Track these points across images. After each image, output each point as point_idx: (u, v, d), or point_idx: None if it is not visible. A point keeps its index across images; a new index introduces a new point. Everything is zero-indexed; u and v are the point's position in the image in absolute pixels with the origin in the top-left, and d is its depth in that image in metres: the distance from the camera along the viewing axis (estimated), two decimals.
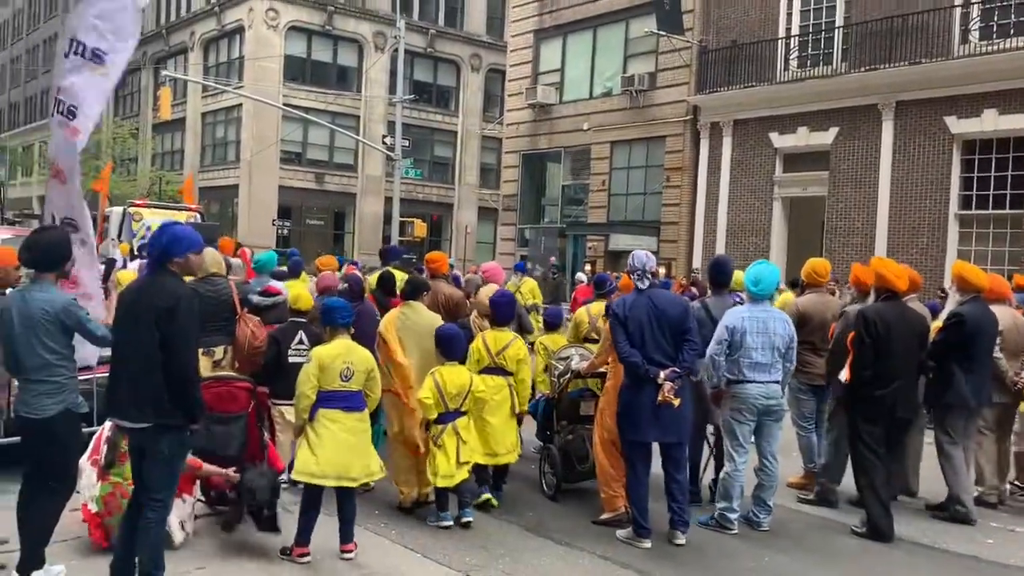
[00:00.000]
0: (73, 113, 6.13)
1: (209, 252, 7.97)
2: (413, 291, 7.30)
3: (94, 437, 5.57)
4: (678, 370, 6.14)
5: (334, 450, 5.67)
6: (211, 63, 42.99)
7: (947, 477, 7.45)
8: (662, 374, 6.09)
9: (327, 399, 5.70)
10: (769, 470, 6.87)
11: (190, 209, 21.89)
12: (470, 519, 6.60)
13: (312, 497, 5.74)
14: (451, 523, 6.55)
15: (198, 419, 4.63)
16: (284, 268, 10.58)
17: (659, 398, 6.04)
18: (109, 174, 24.95)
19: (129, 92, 50.98)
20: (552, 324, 8.70)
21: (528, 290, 14.20)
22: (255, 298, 8.00)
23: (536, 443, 8.48)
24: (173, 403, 4.54)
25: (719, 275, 7.44)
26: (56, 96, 6.17)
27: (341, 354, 5.76)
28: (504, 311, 7.23)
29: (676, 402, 6.06)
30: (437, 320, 7.18)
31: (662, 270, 20.09)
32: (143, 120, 47.45)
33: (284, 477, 6.94)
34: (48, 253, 4.93)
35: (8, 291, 5.30)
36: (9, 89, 69.62)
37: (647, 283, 6.35)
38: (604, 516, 6.80)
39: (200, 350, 7.36)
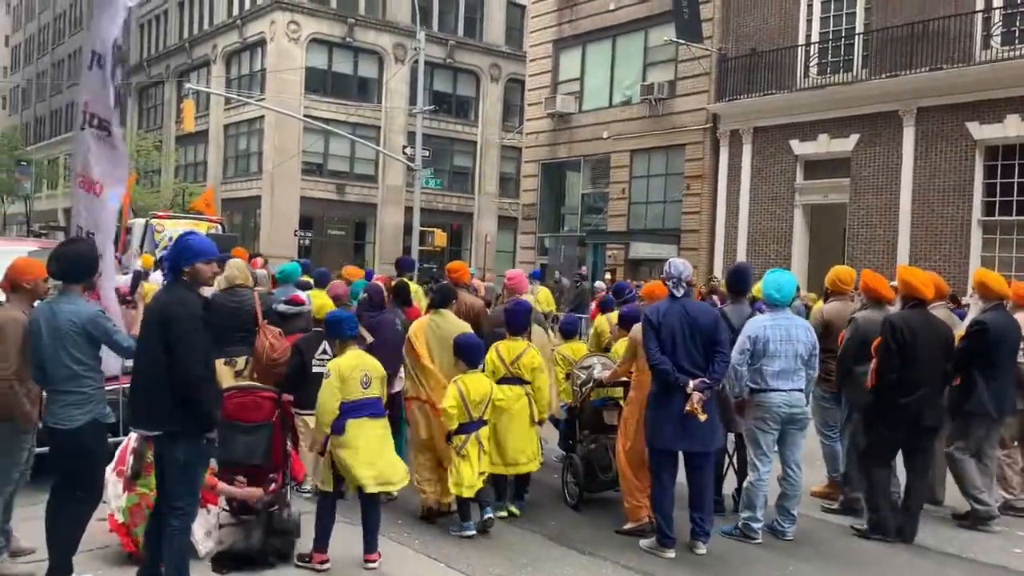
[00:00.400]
0: (107, 128, 6.24)
1: (237, 264, 8.07)
2: (443, 299, 7.31)
3: (119, 448, 5.60)
4: (707, 381, 6.11)
5: (373, 456, 5.72)
6: (233, 75, 43.35)
7: (957, 481, 7.43)
8: (691, 383, 6.06)
9: (354, 409, 5.71)
10: (793, 479, 6.82)
11: (211, 220, 22.09)
12: (492, 515, 6.61)
13: (329, 504, 5.76)
14: (474, 532, 6.55)
15: (210, 427, 4.62)
16: (308, 279, 10.66)
17: (687, 408, 6.02)
18: (133, 184, 25.22)
19: (152, 105, 51.57)
20: (568, 332, 8.69)
21: (543, 298, 14.22)
22: (280, 307, 8.05)
23: (558, 452, 8.49)
24: (183, 411, 4.55)
25: (738, 283, 7.41)
26: (85, 109, 6.25)
27: (357, 364, 5.80)
28: (519, 320, 7.22)
29: (703, 416, 6.03)
30: (467, 328, 7.17)
31: None
32: (166, 132, 47.92)
33: (307, 486, 7.01)
34: (76, 265, 4.99)
35: (36, 303, 5.34)
36: (35, 103, 70.52)
37: (682, 292, 6.34)
38: (628, 526, 6.77)
39: (222, 360, 7.51)
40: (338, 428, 5.69)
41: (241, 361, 7.57)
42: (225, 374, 7.46)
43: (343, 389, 5.69)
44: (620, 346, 8.15)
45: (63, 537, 4.89)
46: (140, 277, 11.77)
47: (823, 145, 22.45)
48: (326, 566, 5.66)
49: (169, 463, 4.71)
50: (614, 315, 8.53)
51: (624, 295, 9.02)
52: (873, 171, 21.48)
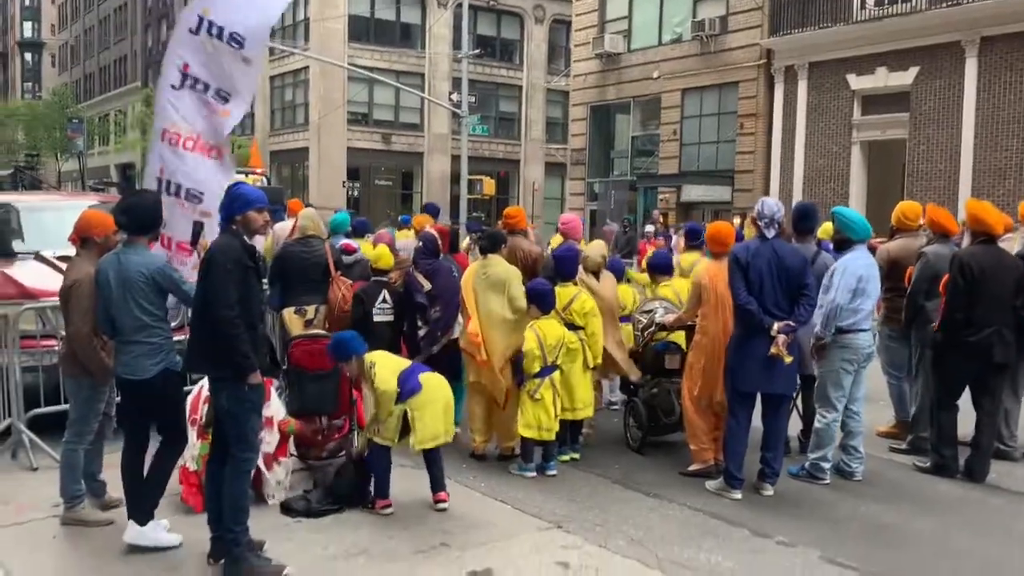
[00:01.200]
0: (226, 98, 6.29)
1: (309, 214, 8.18)
2: (492, 245, 7.29)
3: (191, 396, 5.71)
4: (792, 324, 6.04)
5: (440, 408, 5.79)
6: (277, 26, 43.24)
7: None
8: (776, 325, 5.99)
9: (413, 371, 5.79)
10: (858, 417, 6.78)
11: (256, 172, 22.32)
12: (555, 472, 6.68)
13: (383, 452, 5.81)
14: (535, 474, 6.63)
15: (246, 374, 4.61)
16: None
17: (772, 350, 5.96)
18: (257, 150, 25.68)
19: None
20: (615, 277, 8.64)
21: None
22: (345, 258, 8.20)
23: (618, 395, 8.51)
24: (222, 357, 4.60)
25: (804, 222, 7.26)
26: (188, 73, 6.29)
27: (388, 362, 5.82)
28: (569, 266, 7.19)
29: (789, 359, 5.98)
30: (516, 274, 7.14)
31: (737, 220, 19.73)
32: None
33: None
34: (143, 217, 5.05)
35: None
36: (84, 60, 71.24)
37: (773, 233, 6.23)
38: (693, 467, 6.78)
39: (292, 309, 7.64)
40: (413, 387, 5.71)
41: (311, 310, 7.68)
42: (295, 323, 7.61)
43: (391, 367, 5.76)
44: (662, 290, 8.11)
45: (154, 482, 5.02)
46: (200, 228, 11.91)
47: (881, 79, 21.84)
48: (389, 510, 5.76)
49: (218, 410, 4.79)
50: (686, 257, 8.42)
51: (700, 238, 8.88)
52: (933, 105, 20.87)
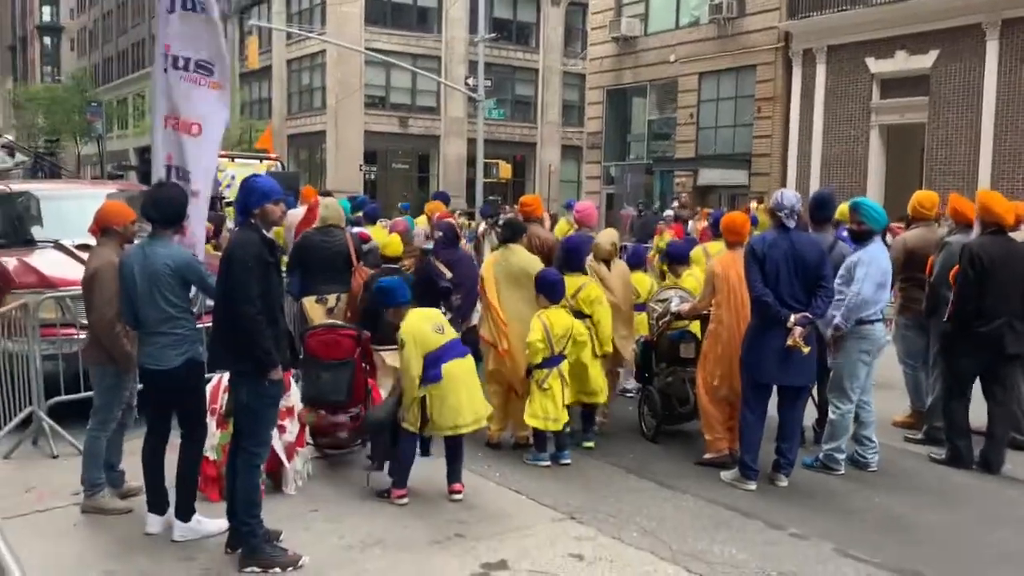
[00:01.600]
0: (210, 69, 6.26)
1: (330, 204, 8.22)
2: (513, 234, 7.29)
3: (210, 386, 5.75)
4: (809, 316, 6.00)
5: (468, 395, 5.79)
6: (294, 10, 43.20)
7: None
8: (793, 317, 5.96)
9: (439, 357, 5.74)
10: (869, 406, 6.77)
11: (270, 158, 22.21)
12: (568, 461, 6.69)
13: (411, 443, 5.85)
14: (549, 463, 6.64)
15: (267, 369, 4.63)
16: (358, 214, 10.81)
17: (789, 342, 5.93)
18: (271, 135, 25.57)
19: None
20: (634, 264, 8.60)
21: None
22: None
23: (632, 384, 8.50)
24: (243, 352, 4.61)
25: (820, 210, 7.20)
26: (168, 52, 6.27)
27: (423, 319, 5.81)
28: (576, 257, 7.18)
29: (806, 349, 5.95)
30: (535, 262, 7.14)
31: (754, 204, 19.59)
32: (230, 70, 48.21)
33: None
34: (168, 209, 5.07)
35: (125, 246, 5.47)
36: (102, 44, 71.39)
37: (793, 224, 6.18)
38: (707, 456, 6.77)
39: (313, 298, 7.69)
40: (434, 377, 5.71)
41: (332, 299, 7.80)
42: (317, 312, 7.69)
43: (421, 347, 5.71)
44: (685, 281, 8.07)
45: (187, 474, 5.06)
46: (223, 221, 11.97)
47: (900, 62, 21.60)
48: (404, 500, 5.78)
49: (236, 403, 4.82)
50: (713, 245, 8.38)
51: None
52: (953, 88, 20.63)
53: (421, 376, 5.67)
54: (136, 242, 5.31)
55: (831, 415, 6.66)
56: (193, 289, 5.13)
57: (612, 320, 7.16)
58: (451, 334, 5.88)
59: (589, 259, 7.43)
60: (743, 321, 6.44)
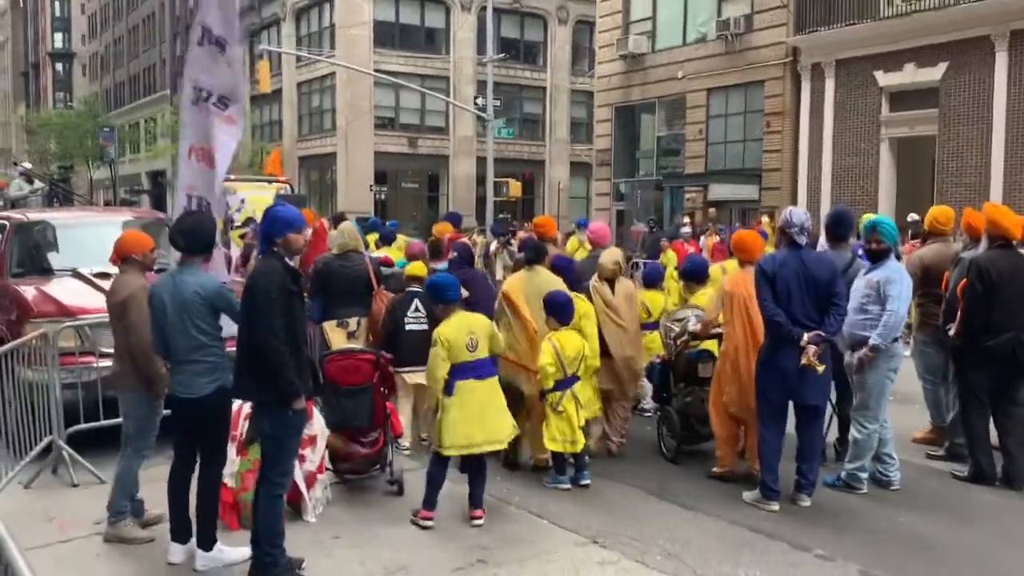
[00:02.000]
0: (226, 103, 6.32)
1: (348, 230, 8.28)
2: (536, 256, 7.29)
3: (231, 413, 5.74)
4: (823, 334, 5.97)
5: (477, 417, 5.78)
6: (303, 33, 43.50)
7: None
8: (806, 336, 5.93)
9: (459, 371, 5.78)
10: (887, 423, 6.72)
11: (279, 181, 22.25)
12: (588, 482, 6.65)
13: (440, 466, 5.84)
14: (569, 486, 6.60)
15: (291, 399, 4.64)
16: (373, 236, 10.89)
17: (803, 361, 5.90)
18: (279, 158, 25.58)
19: None
20: (650, 282, 8.59)
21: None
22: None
23: (650, 404, 8.46)
24: (266, 382, 4.62)
25: (838, 228, 7.18)
26: (197, 86, 6.33)
27: (463, 328, 5.83)
28: (568, 276, 7.22)
29: (820, 368, 5.92)
30: (560, 285, 7.12)
31: (765, 219, 19.57)
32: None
33: (405, 443, 7.17)
34: (197, 237, 5.10)
35: (148, 275, 5.50)
36: (113, 70, 72.02)
37: (805, 241, 6.17)
38: (714, 469, 6.88)
39: (335, 322, 7.75)
40: (446, 390, 5.77)
41: (353, 323, 7.88)
42: (337, 336, 7.76)
43: (451, 355, 5.75)
44: (696, 299, 8.05)
45: (208, 504, 5.05)
46: (251, 250, 12.02)
47: (909, 75, 21.55)
48: (430, 523, 5.76)
49: (259, 433, 4.82)
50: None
51: None
52: (963, 100, 20.57)
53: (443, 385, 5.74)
54: (164, 271, 5.33)
55: (856, 434, 6.60)
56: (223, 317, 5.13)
57: (618, 341, 7.16)
58: (482, 353, 5.87)
59: (594, 279, 7.43)
60: (754, 339, 6.44)
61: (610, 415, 7.52)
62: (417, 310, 7.36)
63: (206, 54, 6.38)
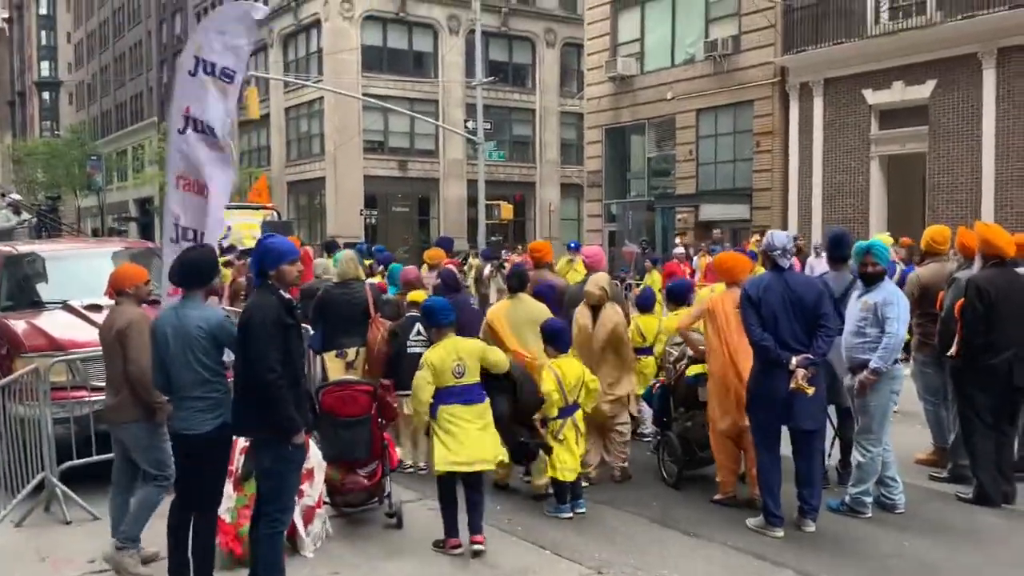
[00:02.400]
0: (212, 131, 6.30)
1: (349, 258, 8.28)
2: (521, 283, 7.32)
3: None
4: (811, 357, 5.94)
5: (460, 440, 5.76)
6: (291, 58, 43.60)
7: None
8: (794, 360, 5.91)
9: (444, 395, 5.80)
10: (888, 445, 6.68)
11: (266, 207, 22.22)
12: (584, 510, 6.64)
13: (448, 489, 5.85)
14: (571, 515, 6.55)
15: (290, 433, 4.60)
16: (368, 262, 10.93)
17: (792, 385, 5.87)
18: (265, 184, 25.50)
19: None
20: (644, 306, 8.57)
21: (582, 268, 14.11)
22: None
23: (650, 428, 8.41)
24: (264, 417, 4.58)
25: (837, 249, 7.19)
26: (188, 115, 6.31)
27: (451, 353, 5.84)
28: (546, 300, 7.29)
29: (810, 391, 5.88)
30: (544, 311, 7.15)
31: (756, 238, 19.61)
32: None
33: (407, 461, 7.50)
34: (199, 271, 5.05)
35: (143, 307, 5.47)
36: (100, 98, 72.04)
37: (788, 263, 6.17)
38: (717, 496, 6.87)
39: (333, 352, 7.76)
40: (431, 413, 5.83)
41: (352, 352, 7.93)
42: (336, 366, 7.81)
43: (436, 379, 5.78)
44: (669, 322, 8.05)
45: (206, 545, 4.98)
46: (252, 283, 12.07)
47: (898, 93, 21.72)
48: (459, 551, 5.77)
49: (257, 468, 4.77)
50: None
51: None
52: (953, 117, 20.73)
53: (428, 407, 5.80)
54: (157, 301, 5.30)
55: (860, 458, 6.55)
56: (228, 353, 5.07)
57: (599, 367, 7.14)
58: (470, 379, 5.86)
59: (581, 307, 7.39)
60: (736, 357, 6.46)
61: (607, 441, 7.48)
62: (419, 334, 7.46)
63: (197, 84, 6.35)
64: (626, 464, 7.53)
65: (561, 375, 6.49)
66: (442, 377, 5.78)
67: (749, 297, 6.10)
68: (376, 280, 9.74)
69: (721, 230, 23.47)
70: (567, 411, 6.52)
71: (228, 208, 22.70)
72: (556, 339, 6.68)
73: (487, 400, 5.98)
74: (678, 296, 8.38)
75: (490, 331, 7.11)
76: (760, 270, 7.54)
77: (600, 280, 7.60)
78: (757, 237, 19.55)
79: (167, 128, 6.71)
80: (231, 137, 6.48)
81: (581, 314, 7.34)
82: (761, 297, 6.05)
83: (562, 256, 14.76)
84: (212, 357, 4.88)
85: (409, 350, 7.40)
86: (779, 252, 6.16)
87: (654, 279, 16.44)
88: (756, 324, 6.03)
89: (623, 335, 7.42)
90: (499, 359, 6.08)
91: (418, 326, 7.41)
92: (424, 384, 5.78)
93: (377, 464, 6.37)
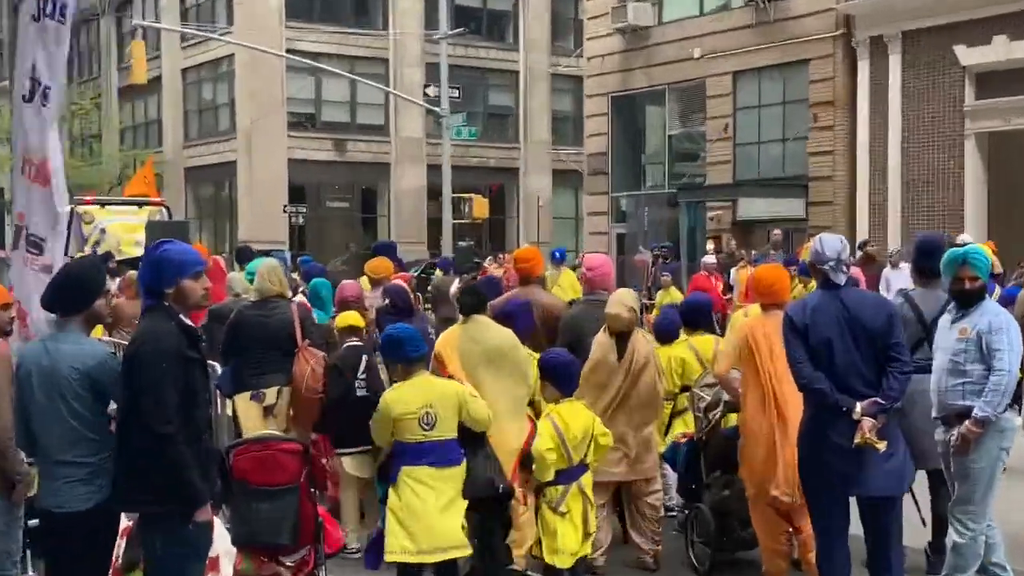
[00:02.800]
0: (46, 94, 6.30)
1: (271, 268, 8.24)
2: (477, 302, 7.20)
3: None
4: (881, 401, 5.94)
5: (426, 518, 5.78)
6: (189, 4, 43.63)
7: None
8: (859, 407, 5.90)
9: (408, 453, 5.84)
10: (992, 521, 6.70)
11: (152, 203, 21.90)
12: None
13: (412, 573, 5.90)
14: None
15: (192, 508, 4.57)
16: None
17: (857, 439, 5.86)
18: (151, 172, 25.19)
19: (86, 48, 51.99)
20: (665, 335, 8.54)
21: (568, 284, 14.30)
22: None
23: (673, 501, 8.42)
24: (157, 486, 4.54)
25: (927, 260, 7.23)
26: (32, 76, 6.31)
27: (418, 396, 5.86)
28: (521, 323, 7.34)
29: (881, 446, 5.87)
30: (509, 337, 7.05)
31: (809, 244, 19.65)
32: (106, 83, 48.30)
33: (354, 545, 7.45)
34: (76, 291, 5.00)
35: (10, 341, 5.46)
36: None
37: (843, 278, 6.16)
38: None
39: (247, 394, 7.67)
40: (389, 476, 5.88)
41: (272, 393, 7.85)
42: (252, 413, 7.77)
43: (396, 430, 5.86)
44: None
45: None
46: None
47: (1001, 50, 21.92)
48: None
49: (146, 556, 4.77)
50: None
51: None
52: None
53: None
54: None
55: (957, 538, 6.56)
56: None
57: (631, 416, 7.26)
58: (444, 433, 5.91)
59: (600, 334, 7.40)
60: (778, 403, 6.56)
61: (636, 516, 7.49)
62: (368, 369, 7.54)
63: (41, 30, 6.37)
64: (659, 547, 7.53)
65: (563, 427, 6.46)
66: (405, 427, 5.81)
67: (792, 323, 6.07)
68: (299, 299, 9.69)
69: (780, 231, 23.26)
70: (571, 474, 6.51)
71: (101, 205, 22.43)
72: (558, 377, 6.65)
73: (464, 463, 6.00)
74: (693, 317, 8.41)
75: (438, 366, 7.04)
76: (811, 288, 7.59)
77: (626, 299, 7.64)
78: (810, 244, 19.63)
79: (12, 94, 6.69)
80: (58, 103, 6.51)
81: (600, 345, 7.33)
82: (809, 323, 6.03)
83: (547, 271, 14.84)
84: (90, 407, 4.83)
85: (359, 391, 7.44)
86: (832, 264, 6.15)
87: (672, 296, 16.47)
88: (804, 360, 6.01)
89: (658, 374, 7.50)
90: (482, 416, 6.09)
91: (365, 358, 7.42)
92: (380, 432, 5.97)
93: (308, 550, 6.34)
